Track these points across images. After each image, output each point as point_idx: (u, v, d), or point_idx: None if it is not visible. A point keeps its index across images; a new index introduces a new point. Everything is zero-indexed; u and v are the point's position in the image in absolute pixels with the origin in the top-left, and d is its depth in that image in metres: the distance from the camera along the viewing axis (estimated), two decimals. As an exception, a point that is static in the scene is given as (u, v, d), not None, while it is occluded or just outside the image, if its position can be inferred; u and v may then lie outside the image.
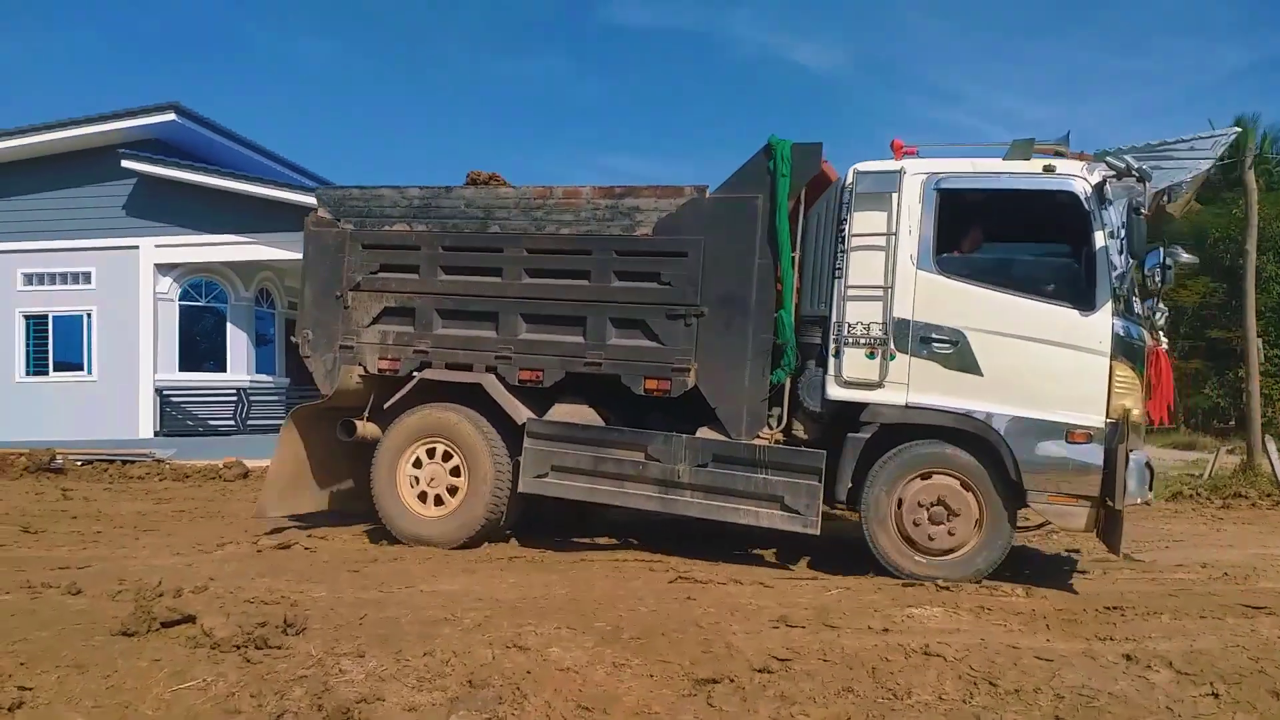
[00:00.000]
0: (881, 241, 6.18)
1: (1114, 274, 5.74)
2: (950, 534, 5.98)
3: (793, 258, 6.46)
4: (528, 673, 3.88)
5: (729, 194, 6.65)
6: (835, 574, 6.28)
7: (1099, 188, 5.78)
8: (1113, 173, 5.75)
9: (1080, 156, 6.03)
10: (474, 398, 7.07)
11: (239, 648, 4.06)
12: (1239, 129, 6.09)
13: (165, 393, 16.10)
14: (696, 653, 4.19)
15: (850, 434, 6.24)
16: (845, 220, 6.30)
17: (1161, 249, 5.92)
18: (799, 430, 6.53)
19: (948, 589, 5.66)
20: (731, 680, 3.88)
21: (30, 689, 3.53)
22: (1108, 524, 5.83)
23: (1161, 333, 6.32)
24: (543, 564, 6.54)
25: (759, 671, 3.99)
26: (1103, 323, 5.72)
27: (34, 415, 15.45)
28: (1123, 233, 5.76)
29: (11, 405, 15.84)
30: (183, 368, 16.46)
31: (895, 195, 6.17)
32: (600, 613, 4.92)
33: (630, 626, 4.61)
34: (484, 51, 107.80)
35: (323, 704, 3.43)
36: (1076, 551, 7.65)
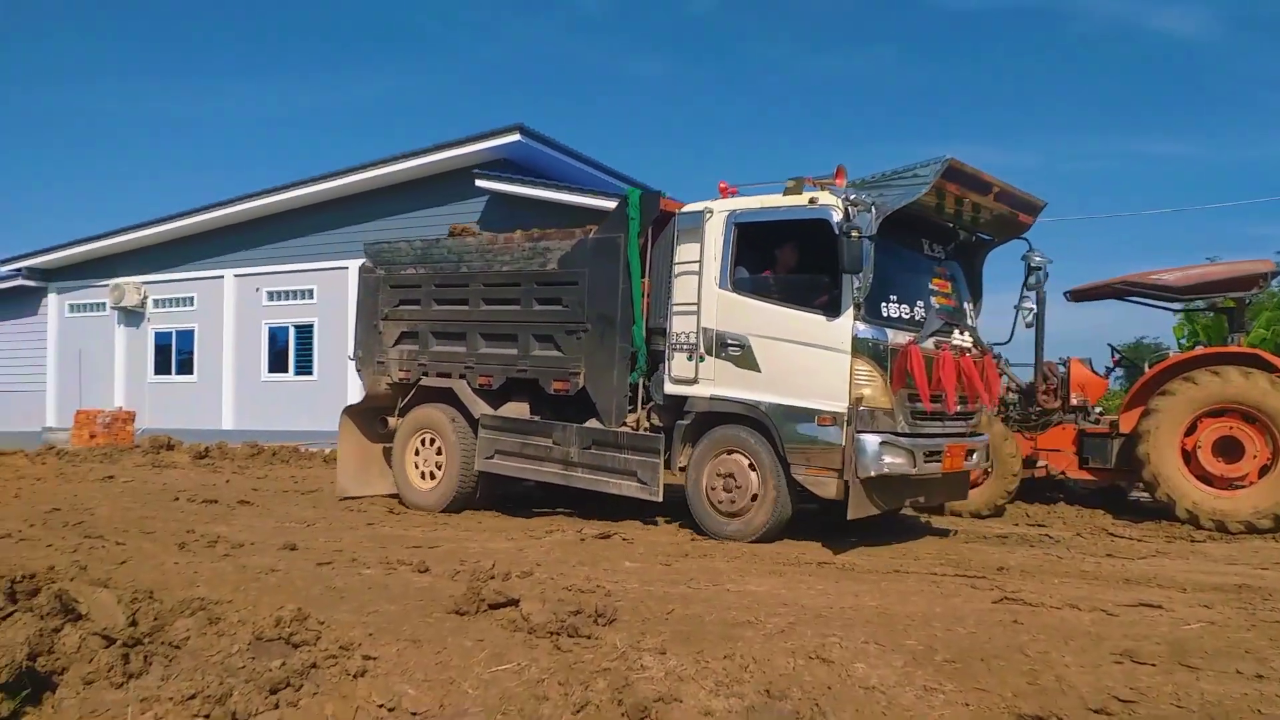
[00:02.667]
0: (695, 267, 7.56)
1: (854, 286, 6.67)
2: (733, 501, 7.31)
3: (643, 282, 7.92)
4: (829, 688, 3.68)
5: (601, 234, 8.21)
6: (1196, 606, 5.40)
7: (846, 215, 6.66)
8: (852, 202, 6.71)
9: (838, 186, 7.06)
10: (452, 399, 8.95)
11: (553, 634, 4.26)
12: (950, 158, 6.85)
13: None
14: (1020, 684, 3.76)
15: (679, 421, 7.68)
16: (674, 251, 7.76)
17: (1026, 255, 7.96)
18: (654, 419, 7.94)
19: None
20: (1061, 720, 3.43)
21: (374, 659, 3.93)
22: (854, 491, 6.77)
23: (968, 334, 7.63)
24: (853, 572, 6.27)
25: (1095, 712, 3.49)
26: (845, 326, 6.77)
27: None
28: (867, 250, 6.59)
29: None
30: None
31: (704, 230, 7.55)
32: (912, 629, 4.59)
33: (945, 647, 4.25)
34: (805, 50, 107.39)
35: (622, 699, 3.48)
36: None
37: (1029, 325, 8.33)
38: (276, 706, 3.51)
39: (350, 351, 10.21)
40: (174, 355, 20.75)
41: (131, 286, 20.61)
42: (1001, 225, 8.04)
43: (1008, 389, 10.59)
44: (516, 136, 16.87)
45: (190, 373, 20.50)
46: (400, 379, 9.44)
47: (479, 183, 17.12)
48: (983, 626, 4.72)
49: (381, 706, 3.46)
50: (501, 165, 17.75)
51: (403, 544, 7.03)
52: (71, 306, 21.97)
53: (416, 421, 9.20)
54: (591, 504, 9.10)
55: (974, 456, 7.64)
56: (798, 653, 4.08)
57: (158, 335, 21.04)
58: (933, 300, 7.41)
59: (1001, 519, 9.33)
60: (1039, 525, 9.01)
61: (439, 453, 8.97)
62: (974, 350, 7.67)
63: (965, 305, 7.97)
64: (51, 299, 22.00)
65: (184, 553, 6.35)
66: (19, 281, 21.69)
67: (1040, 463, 10.10)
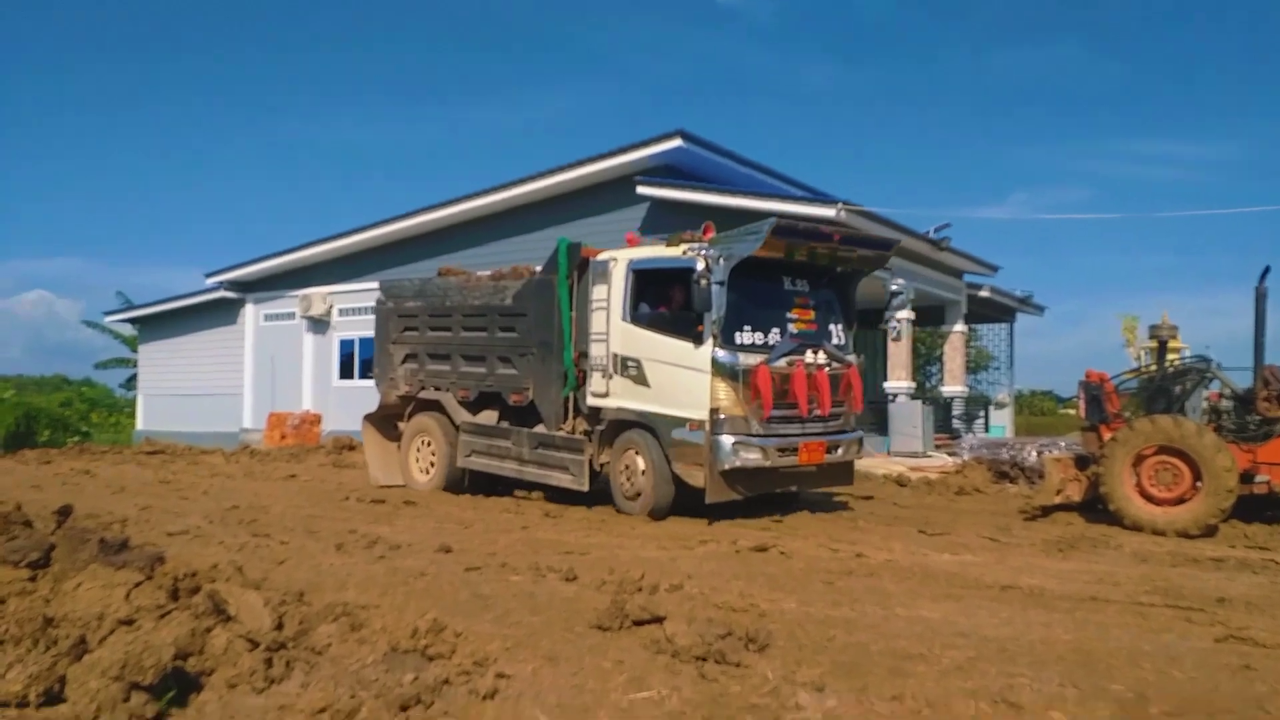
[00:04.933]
0: (605, 304, 9.17)
1: (711, 320, 8.24)
2: (633, 487, 8.85)
3: (571, 315, 9.54)
4: (1017, 742, 3.15)
5: (542, 275, 9.90)
6: None
7: (706, 264, 8.22)
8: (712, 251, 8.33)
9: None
10: (441, 409, 10.77)
11: (698, 659, 3.90)
12: (776, 218, 8.51)
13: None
14: (1262, 751, 3.09)
15: (597, 426, 9.26)
16: (591, 290, 9.34)
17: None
18: (582, 425, 9.49)
19: None
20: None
21: (508, 677, 3.69)
22: (711, 480, 8.26)
23: (822, 353, 8.87)
24: (1041, 598, 5.56)
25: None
26: (706, 352, 8.30)
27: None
28: (720, 290, 8.21)
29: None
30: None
31: (611, 274, 9.15)
32: (1117, 671, 3.94)
33: (1160, 696, 3.61)
34: (987, 48, 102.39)
35: (772, 741, 3.08)
36: None
37: (895, 339, 11.47)
38: (403, 726, 3.32)
39: (371, 370, 12.32)
40: (356, 361, 21.75)
41: (318, 297, 21.80)
42: (862, 261, 9.50)
43: (1220, 396, 9.41)
44: (678, 142, 16.64)
45: (371, 378, 21.42)
46: (405, 392, 11.25)
47: (640, 189, 17.01)
48: (1205, 671, 4.01)
49: (508, 733, 3.21)
50: (665, 172, 17.58)
51: (555, 549, 6.85)
52: (266, 316, 23.50)
53: (416, 427, 11.07)
54: (741, 512, 8.72)
55: (839, 450, 9.07)
56: (980, 694, 3.56)
57: (342, 343, 22.14)
58: (790, 326, 8.86)
59: (1214, 540, 8.21)
60: (1261, 549, 7.84)
61: (433, 452, 10.83)
62: (832, 365, 8.94)
63: (833, 326, 9.33)
64: (249, 309, 23.62)
65: (340, 553, 6.40)
66: (221, 294, 23.43)
67: (1260, 477, 8.85)
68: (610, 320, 9.09)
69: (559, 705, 3.43)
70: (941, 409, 20.22)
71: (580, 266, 9.56)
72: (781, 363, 8.52)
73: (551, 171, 18.04)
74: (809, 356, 8.73)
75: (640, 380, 8.84)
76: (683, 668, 3.82)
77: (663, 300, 9.18)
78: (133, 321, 27.10)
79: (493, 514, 8.96)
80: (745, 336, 8.50)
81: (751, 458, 8.30)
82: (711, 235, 8.63)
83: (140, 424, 25.57)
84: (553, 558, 6.41)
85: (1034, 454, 12.34)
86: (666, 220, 17.40)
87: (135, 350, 28.10)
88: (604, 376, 9.13)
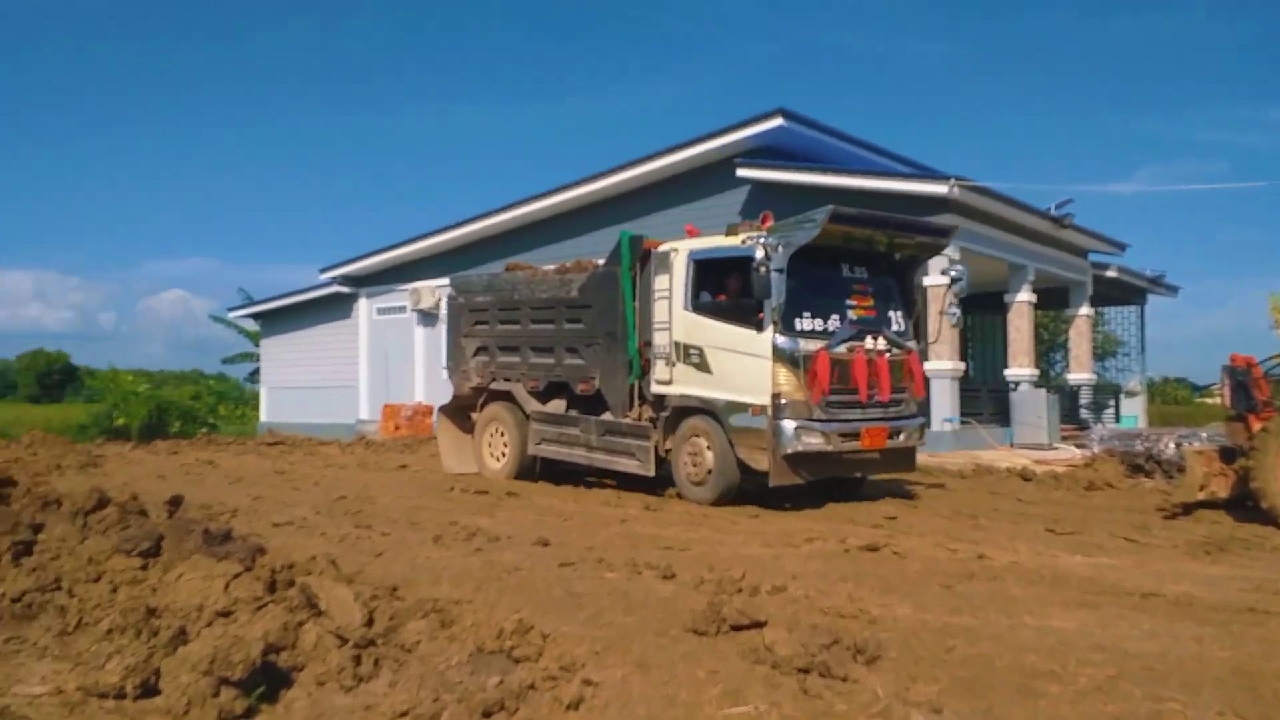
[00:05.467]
0: (667, 293, 9.38)
1: (771, 306, 8.40)
2: (698, 473, 8.98)
3: (634, 305, 9.74)
4: (1172, 781, 2.74)
5: (606, 267, 10.15)
6: None
7: (766, 253, 8.31)
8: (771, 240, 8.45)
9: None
10: (512, 399, 11.03)
11: (801, 671, 3.60)
12: (833, 207, 8.50)
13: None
14: None
15: (661, 413, 9.44)
16: (653, 281, 9.56)
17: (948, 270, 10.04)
18: (647, 413, 9.69)
19: None
20: None
21: (595, 684, 3.47)
22: (775, 465, 8.45)
23: (881, 339, 8.98)
24: (1190, 608, 4.99)
25: None
26: (767, 339, 8.49)
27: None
28: (779, 277, 8.32)
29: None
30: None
31: (672, 264, 9.36)
32: (1288, 698, 3.44)
33: (1342, 730, 3.11)
34: (1097, 15, 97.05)
35: (882, 770, 2.76)
36: None
37: (955, 326, 10.86)
38: (484, 734, 3.13)
39: (444, 363, 12.57)
40: (464, 353, 22.10)
41: (427, 290, 22.17)
42: (920, 248, 9.65)
43: None
44: (779, 121, 16.14)
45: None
46: (478, 384, 11.56)
47: (740, 172, 16.61)
48: (1396, 701, 3.47)
49: (592, 750, 2.98)
50: (766, 153, 17.11)
51: (654, 544, 6.62)
52: (379, 310, 24.09)
53: (489, 416, 11.42)
54: (852, 510, 8.32)
55: (900, 436, 9.12)
56: (1123, 721, 3.14)
57: (450, 334, 22.53)
58: (850, 313, 8.92)
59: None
60: None
61: (505, 440, 11.14)
62: (892, 351, 9.01)
63: (892, 313, 9.34)
64: (362, 303, 24.25)
65: (438, 546, 6.33)
66: (335, 288, 24.12)
67: None
68: (672, 309, 9.34)
69: (647, 718, 3.18)
70: (1067, 398, 19.12)
71: (643, 258, 9.82)
72: (841, 349, 8.65)
73: (651, 157, 17.82)
74: (869, 343, 8.84)
75: (703, 367, 9.05)
76: (783, 680, 3.52)
77: (723, 289, 9.38)
78: (255, 317, 28.23)
79: (593, 506, 8.80)
80: (805, 323, 8.65)
81: (814, 442, 8.45)
82: (770, 224, 8.73)
83: (264, 416, 26.63)
84: (651, 553, 6.18)
85: (1172, 446, 11.44)
86: (768, 204, 16.82)
87: (258, 345, 29.31)
88: (667, 364, 9.38)
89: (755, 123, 16.39)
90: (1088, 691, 3.50)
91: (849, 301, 9.00)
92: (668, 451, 9.39)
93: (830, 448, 8.54)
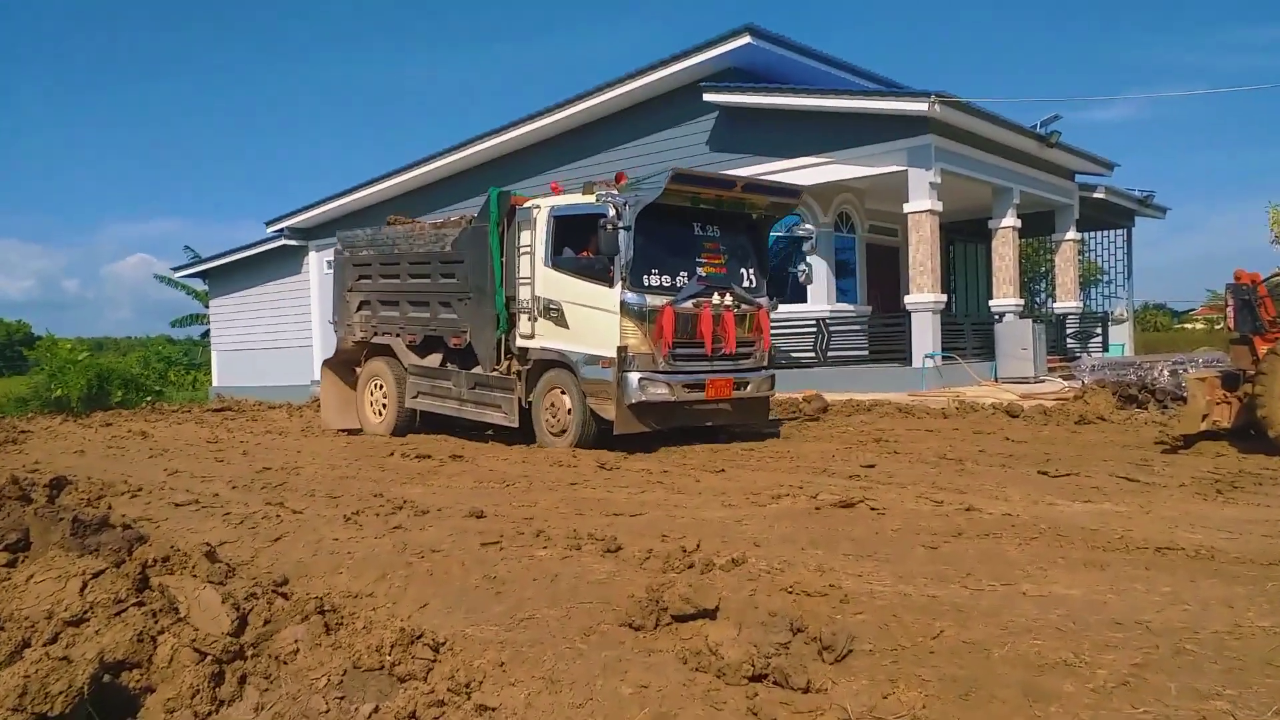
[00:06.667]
0: (530, 250, 9.79)
1: (620, 263, 8.83)
2: (558, 422, 9.53)
3: (501, 261, 9.98)
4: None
5: (476, 224, 10.37)
6: None
7: (617, 211, 8.72)
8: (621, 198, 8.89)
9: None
10: (391, 353, 11.28)
11: (749, 679, 2.85)
12: (674, 168, 9.23)
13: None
14: None
15: (524, 367, 9.85)
16: (518, 237, 9.92)
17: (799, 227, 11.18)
18: (514, 366, 9.96)
19: None
20: None
21: (491, 711, 2.71)
22: (620, 413, 8.91)
23: (728, 295, 9.35)
24: (1213, 563, 4.27)
25: None
26: (615, 294, 8.93)
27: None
28: (627, 235, 8.77)
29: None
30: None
31: (535, 221, 9.76)
32: (1362, 688, 2.72)
33: None
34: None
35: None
36: None
37: (806, 282, 11.13)
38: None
39: (330, 316, 12.67)
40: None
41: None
42: (773, 207, 10.10)
43: None
44: (747, 39, 15.12)
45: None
46: (360, 338, 11.75)
47: (706, 96, 15.62)
48: None
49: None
50: (735, 75, 16.12)
51: (602, 511, 5.86)
52: (328, 263, 22.96)
53: (370, 371, 11.62)
54: (828, 460, 7.56)
55: (748, 387, 9.56)
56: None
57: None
58: (699, 270, 9.32)
59: None
60: None
61: (384, 395, 11.34)
62: (740, 306, 9.39)
63: (744, 270, 9.78)
64: (312, 256, 23.13)
65: (349, 525, 5.51)
66: (282, 242, 22.97)
67: None
68: (535, 265, 9.67)
69: (544, 768, 2.41)
70: (1054, 328, 18.45)
71: (510, 214, 10.01)
72: (688, 304, 9.06)
73: (612, 84, 16.77)
74: (715, 298, 9.20)
75: (561, 322, 9.43)
76: (729, 696, 2.76)
77: (582, 246, 9.57)
78: (202, 276, 27.02)
79: (542, 468, 8.00)
80: (653, 279, 9.04)
81: (658, 392, 8.88)
82: (624, 182, 9.20)
83: (215, 380, 25.64)
84: (597, 522, 5.41)
85: (1166, 374, 10.79)
86: (739, 130, 16.01)
87: (208, 306, 28.14)
88: (530, 319, 9.71)
89: (722, 42, 15.37)
90: (1111, 689, 2.78)
91: (699, 259, 9.39)
92: (529, 403, 9.72)
93: (674, 398, 8.95)
